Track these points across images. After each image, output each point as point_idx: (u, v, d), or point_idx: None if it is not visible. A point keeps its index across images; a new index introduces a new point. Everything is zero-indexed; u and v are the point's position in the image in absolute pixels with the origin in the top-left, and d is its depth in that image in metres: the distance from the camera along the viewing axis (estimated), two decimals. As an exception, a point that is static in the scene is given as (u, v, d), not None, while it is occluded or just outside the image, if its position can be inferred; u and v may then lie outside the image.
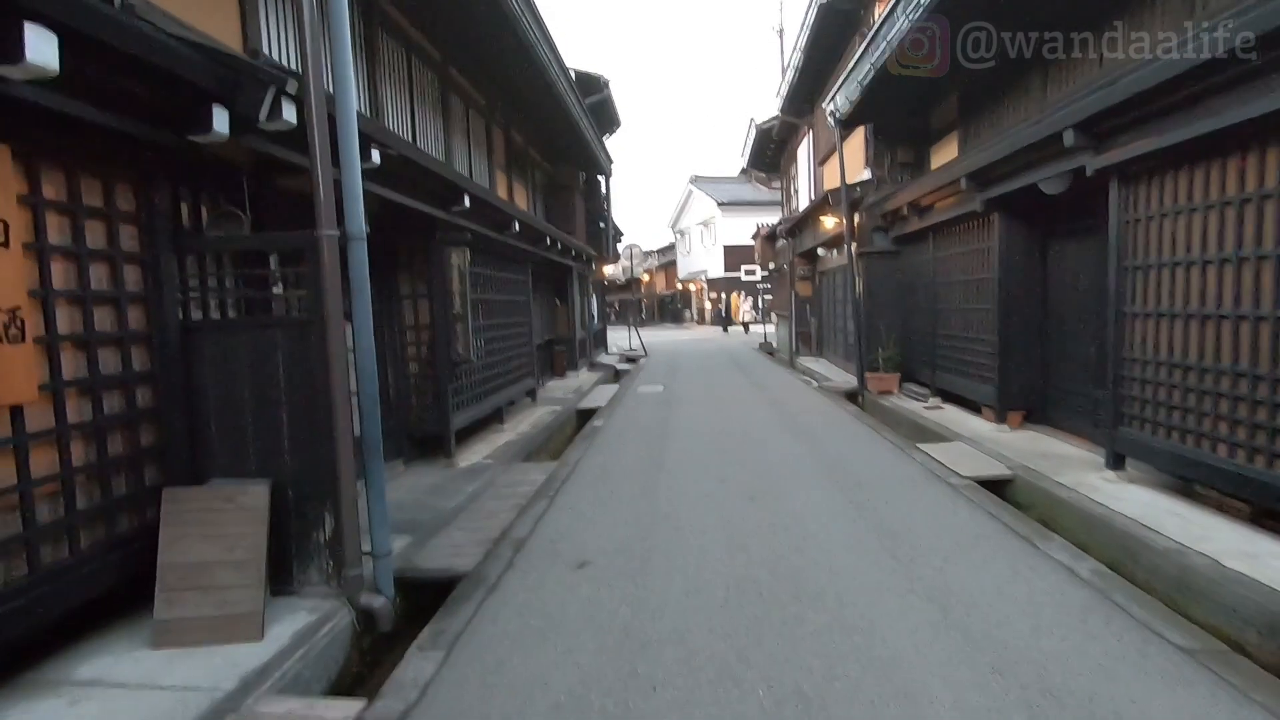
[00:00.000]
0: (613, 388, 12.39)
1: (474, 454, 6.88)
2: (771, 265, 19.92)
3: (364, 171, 4.59)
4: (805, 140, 15.79)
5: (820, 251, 13.43)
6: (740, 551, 3.98)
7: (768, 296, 28.75)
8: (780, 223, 17.36)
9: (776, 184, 33.78)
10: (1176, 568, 3.39)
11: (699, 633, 3.03)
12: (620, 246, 20.61)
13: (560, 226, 13.43)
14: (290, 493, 3.45)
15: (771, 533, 4.27)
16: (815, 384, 11.91)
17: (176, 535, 3.11)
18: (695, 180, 39.23)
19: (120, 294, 3.18)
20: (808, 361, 14.86)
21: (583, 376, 13.71)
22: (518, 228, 8.02)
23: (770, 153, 19.98)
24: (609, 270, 33.02)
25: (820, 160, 14.09)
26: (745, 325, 29.89)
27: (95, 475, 3.05)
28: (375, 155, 4.33)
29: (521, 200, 12.19)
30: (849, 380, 11.44)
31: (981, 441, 6.41)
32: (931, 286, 8.66)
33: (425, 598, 3.70)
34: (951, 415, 7.85)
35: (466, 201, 6.17)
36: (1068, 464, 5.42)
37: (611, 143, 16.70)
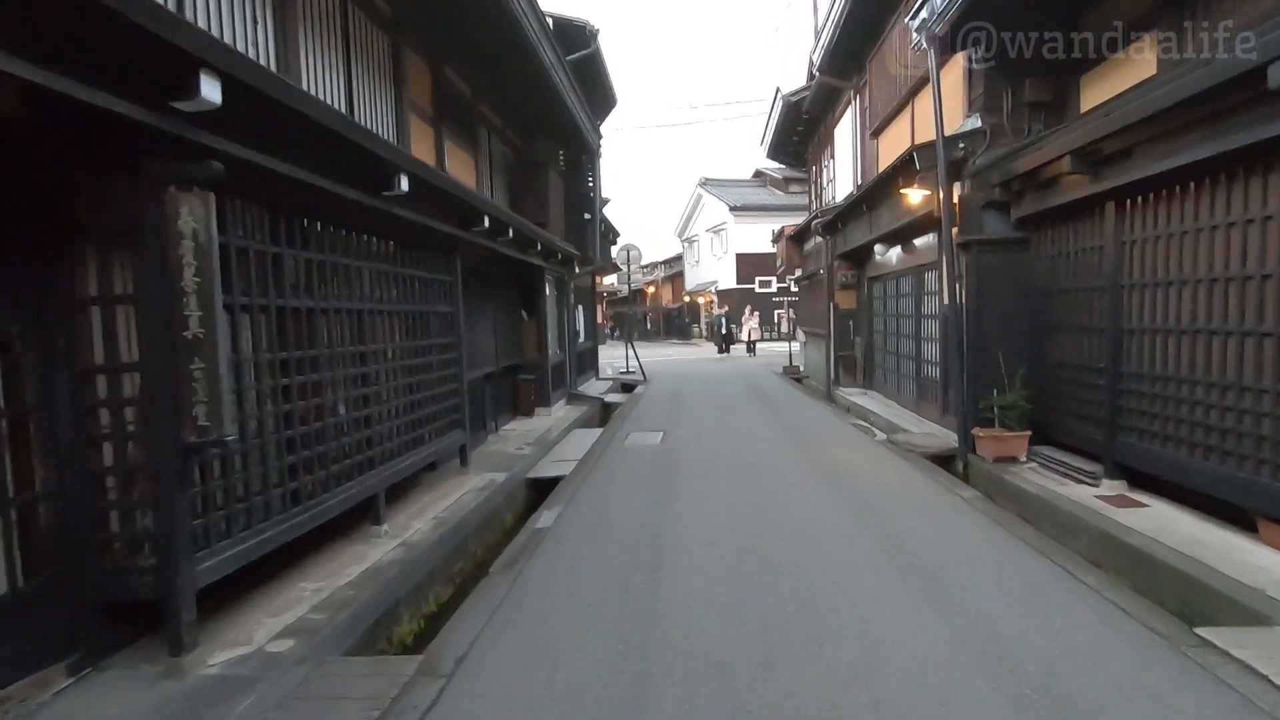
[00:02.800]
0: (592, 435, 8.88)
1: (271, 615, 3.37)
2: (799, 271, 16.36)
3: None
4: (849, 111, 12.34)
5: (877, 249, 9.93)
6: None
7: (791, 312, 25.23)
8: (814, 216, 13.87)
9: (795, 187, 30.44)
10: None
11: None
12: (614, 249, 17.14)
13: (532, 217, 10.00)
14: None
15: None
16: (879, 435, 8.37)
17: None
18: (705, 183, 35.84)
19: None
20: (852, 395, 11.33)
21: (556, 415, 10.21)
22: (405, 184, 4.56)
23: (797, 137, 16.52)
24: (608, 281, 29.59)
25: (875, 130, 10.62)
26: (750, 345, 24.44)
27: None
28: None
29: (465, 173, 8.75)
30: (928, 430, 7.92)
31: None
32: (1109, 292, 5.15)
33: None
34: (1181, 525, 4.28)
35: (205, 90, 2.72)
36: None
37: (608, 130, 13.37)
